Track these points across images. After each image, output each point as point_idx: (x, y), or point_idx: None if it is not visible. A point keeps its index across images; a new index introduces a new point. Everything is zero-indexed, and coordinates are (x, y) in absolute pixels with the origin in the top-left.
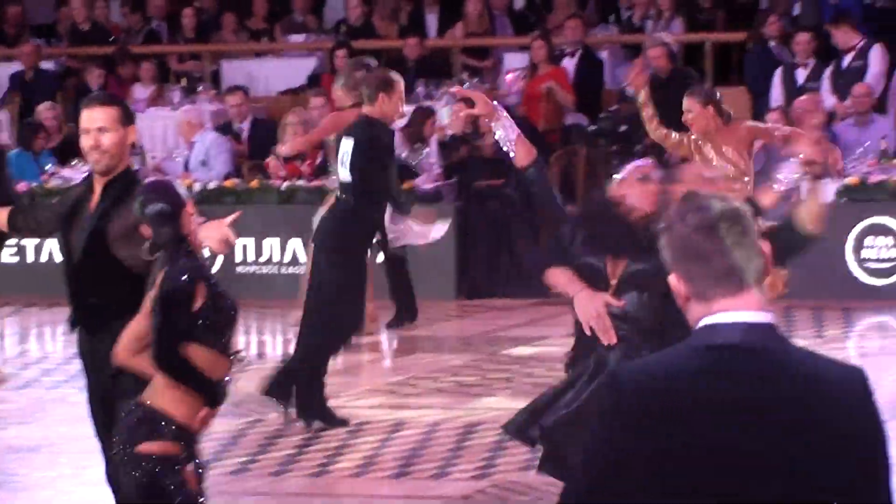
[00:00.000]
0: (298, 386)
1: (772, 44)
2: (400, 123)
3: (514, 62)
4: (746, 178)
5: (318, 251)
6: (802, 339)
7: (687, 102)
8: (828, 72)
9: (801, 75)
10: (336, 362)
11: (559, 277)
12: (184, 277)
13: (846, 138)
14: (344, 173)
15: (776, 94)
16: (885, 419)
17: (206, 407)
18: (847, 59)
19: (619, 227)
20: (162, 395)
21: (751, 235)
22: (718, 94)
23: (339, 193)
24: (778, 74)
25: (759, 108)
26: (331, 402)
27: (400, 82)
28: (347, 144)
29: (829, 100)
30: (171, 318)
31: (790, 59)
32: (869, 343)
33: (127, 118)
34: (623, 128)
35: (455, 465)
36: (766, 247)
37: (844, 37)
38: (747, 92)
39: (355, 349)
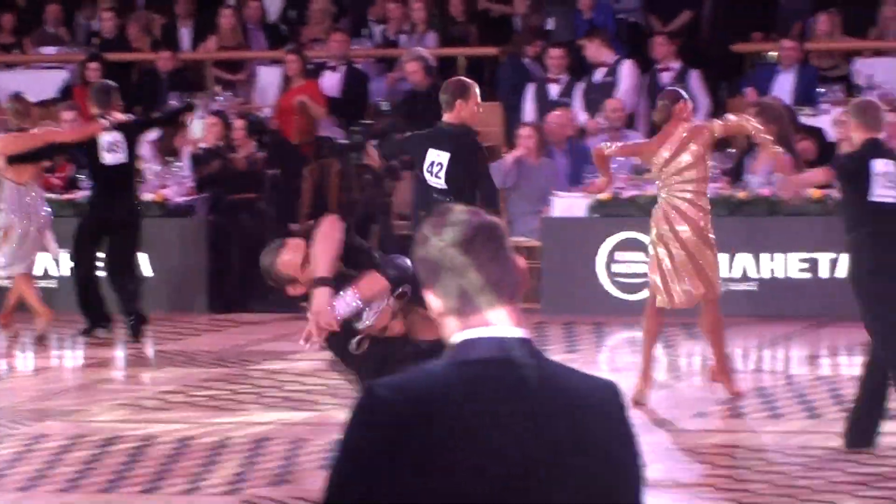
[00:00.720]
0: None
1: (525, 59)
2: (152, 136)
3: (269, 75)
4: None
5: None
6: (555, 354)
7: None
8: (580, 87)
9: (554, 90)
10: (82, 375)
11: None
12: None
13: None
14: (437, 181)
15: (528, 109)
16: (637, 433)
17: None
18: (599, 75)
19: None
20: None
21: (506, 250)
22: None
23: (437, 199)
24: (530, 89)
25: (512, 123)
26: (78, 417)
27: (475, 87)
28: (435, 154)
29: (581, 115)
30: None
31: (543, 74)
32: (621, 358)
33: None
34: (375, 142)
35: (205, 480)
36: (521, 261)
37: (596, 52)
38: (500, 107)
39: (106, 362)
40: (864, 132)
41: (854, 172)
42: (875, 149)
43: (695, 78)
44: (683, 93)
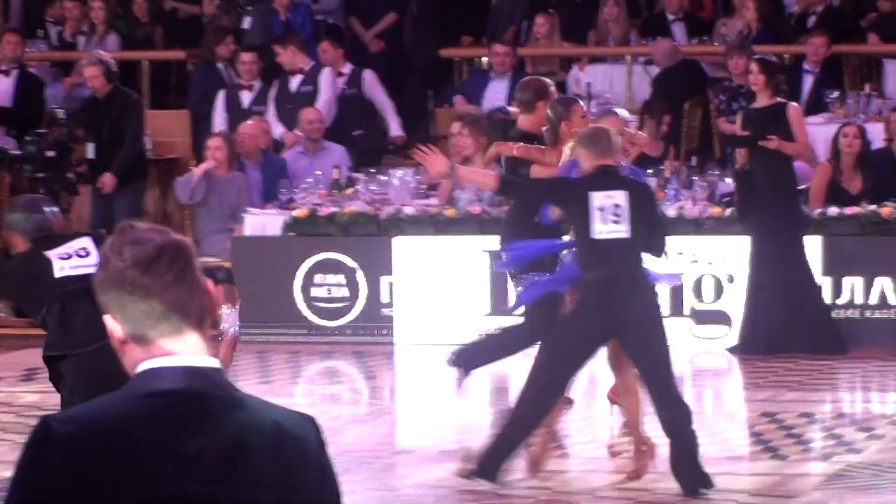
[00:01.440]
0: None
1: (217, 63)
2: None
3: None
4: None
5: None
6: (248, 385)
7: None
8: (273, 95)
9: (247, 98)
10: None
11: None
12: None
13: (296, 167)
14: None
15: (219, 118)
16: (339, 471)
17: None
18: (295, 83)
19: None
20: None
21: (193, 271)
22: None
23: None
24: (221, 96)
25: (201, 133)
26: None
27: (552, 86)
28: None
29: (276, 126)
30: None
31: (235, 80)
32: (318, 389)
33: None
34: (51, 153)
35: None
36: (210, 284)
37: (291, 58)
38: (188, 115)
39: None
40: (592, 160)
41: (575, 205)
42: (598, 179)
43: (368, 80)
44: None
